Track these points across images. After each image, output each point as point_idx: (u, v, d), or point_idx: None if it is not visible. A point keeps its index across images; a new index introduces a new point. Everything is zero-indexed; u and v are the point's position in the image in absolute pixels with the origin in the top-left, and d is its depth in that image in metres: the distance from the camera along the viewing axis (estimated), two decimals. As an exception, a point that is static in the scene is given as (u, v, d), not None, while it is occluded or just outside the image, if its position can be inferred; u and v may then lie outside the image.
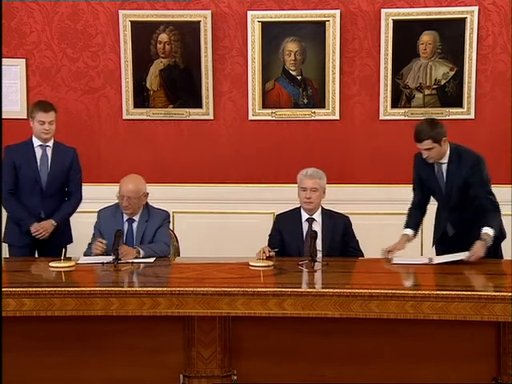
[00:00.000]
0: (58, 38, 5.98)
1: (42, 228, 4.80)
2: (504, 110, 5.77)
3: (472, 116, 5.80)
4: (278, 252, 4.45)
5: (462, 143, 4.56)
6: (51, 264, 4.15)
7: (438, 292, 3.56)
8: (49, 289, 3.68)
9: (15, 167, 4.83)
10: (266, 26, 5.84)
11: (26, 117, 5.91)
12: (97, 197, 4.90)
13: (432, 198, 4.66)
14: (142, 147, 6.06)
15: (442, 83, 5.83)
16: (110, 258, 4.21)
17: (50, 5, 5.95)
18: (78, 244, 4.85)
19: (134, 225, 4.62)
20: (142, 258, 4.36)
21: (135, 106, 6.02)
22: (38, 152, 4.89)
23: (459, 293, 3.55)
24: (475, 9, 5.69)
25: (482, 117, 5.82)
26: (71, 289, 3.67)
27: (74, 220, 5.04)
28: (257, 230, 5.13)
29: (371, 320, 3.57)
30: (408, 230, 4.56)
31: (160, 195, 5.03)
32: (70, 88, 6.03)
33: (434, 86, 5.84)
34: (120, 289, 3.73)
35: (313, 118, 5.95)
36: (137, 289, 3.74)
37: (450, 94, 5.83)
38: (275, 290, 3.63)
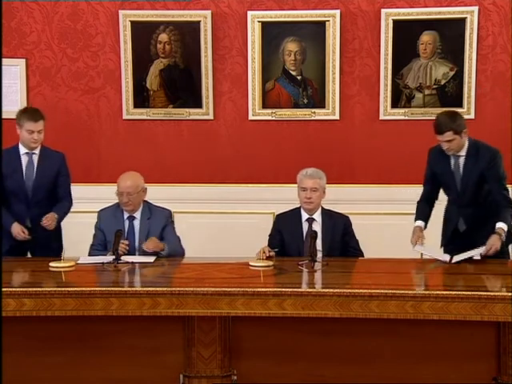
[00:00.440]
0: (58, 38, 5.98)
1: (48, 219, 4.63)
2: (504, 110, 5.77)
3: (472, 116, 5.79)
4: (278, 252, 4.45)
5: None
6: (51, 264, 4.16)
7: (437, 292, 3.57)
8: (49, 289, 3.69)
9: (1, 175, 4.67)
10: (265, 26, 5.84)
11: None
12: (97, 197, 4.90)
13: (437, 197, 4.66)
14: (142, 147, 6.06)
15: (442, 83, 5.83)
16: (110, 258, 4.21)
17: (50, 5, 5.95)
18: (78, 244, 4.84)
19: (135, 222, 4.67)
20: (165, 253, 4.50)
21: (135, 106, 6.02)
22: (24, 159, 4.77)
23: (459, 293, 3.55)
24: (475, 9, 5.69)
25: (482, 117, 5.82)
26: (71, 289, 3.68)
27: (74, 220, 5.03)
28: (257, 229, 5.13)
29: (371, 320, 3.57)
30: (419, 221, 4.57)
31: (160, 195, 5.04)
32: (70, 88, 6.03)
33: (434, 86, 5.84)
34: (120, 289, 3.73)
35: (313, 118, 5.95)
36: (137, 289, 3.75)
37: (449, 94, 5.83)
38: (275, 290, 3.63)
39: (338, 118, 5.93)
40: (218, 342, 3.69)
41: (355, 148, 5.97)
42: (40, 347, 3.77)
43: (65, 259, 4.21)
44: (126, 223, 4.67)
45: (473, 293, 3.54)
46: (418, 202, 4.68)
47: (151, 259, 4.38)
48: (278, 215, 4.82)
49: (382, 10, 5.77)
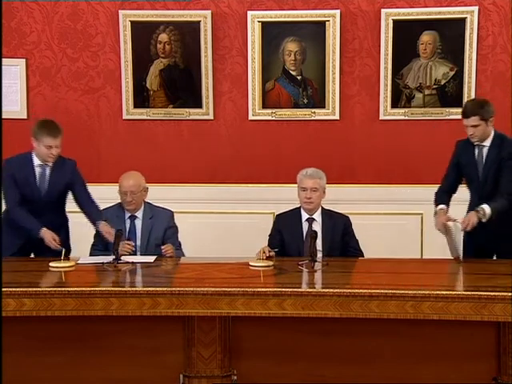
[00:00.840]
0: (58, 38, 5.98)
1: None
2: (504, 110, 5.76)
3: (472, 116, 5.79)
4: (277, 252, 4.45)
5: (462, 143, 4.58)
6: (51, 264, 4.16)
7: (438, 292, 3.56)
8: (49, 289, 3.69)
9: (15, 181, 4.63)
10: (265, 26, 5.84)
11: (26, 117, 5.95)
12: (97, 197, 4.88)
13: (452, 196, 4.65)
14: (142, 147, 6.06)
15: (442, 83, 5.83)
16: (110, 258, 4.21)
17: (50, 5, 5.95)
18: (78, 244, 4.85)
19: (137, 221, 4.70)
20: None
21: (135, 106, 6.02)
22: (38, 171, 4.69)
23: (459, 293, 3.56)
24: (475, 9, 5.70)
25: (482, 117, 5.81)
26: (71, 289, 3.68)
27: (75, 220, 5.03)
28: (257, 229, 5.13)
29: (371, 320, 3.57)
30: (442, 205, 4.53)
31: (160, 195, 5.04)
32: (70, 88, 6.03)
33: (434, 86, 5.84)
34: (120, 289, 3.73)
35: (313, 118, 5.95)
36: (137, 289, 3.74)
37: (450, 94, 5.83)
38: (275, 289, 3.63)
39: (338, 117, 5.93)
40: (218, 342, 3.69)
41: (355, 148, 5.97)
42: (40, 347, 3.76)
43: (65, 259, 4.21)
44: (128, 223, 4.70)
45: (473, 293, 3.54)
46: (436, 193, 4.65)
47: (151, 259, 4.38)
48: (277, 215, 4.82)
49: (382, 9, 5.77)
